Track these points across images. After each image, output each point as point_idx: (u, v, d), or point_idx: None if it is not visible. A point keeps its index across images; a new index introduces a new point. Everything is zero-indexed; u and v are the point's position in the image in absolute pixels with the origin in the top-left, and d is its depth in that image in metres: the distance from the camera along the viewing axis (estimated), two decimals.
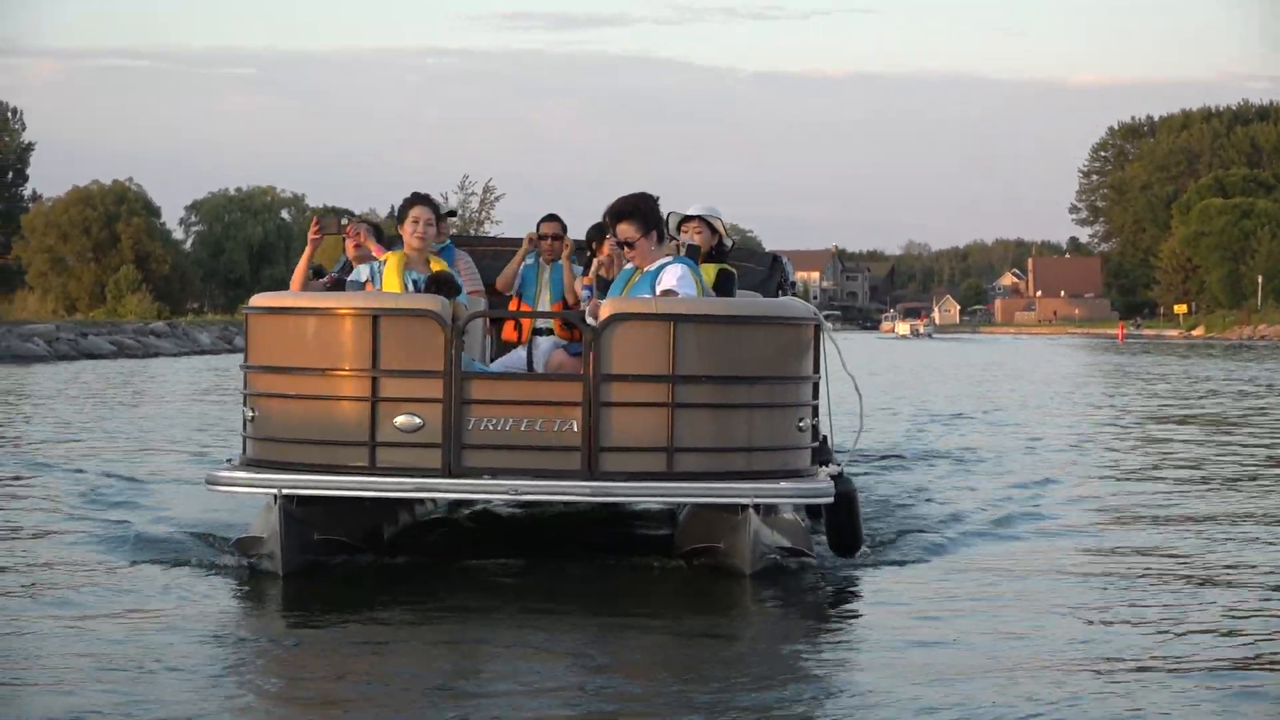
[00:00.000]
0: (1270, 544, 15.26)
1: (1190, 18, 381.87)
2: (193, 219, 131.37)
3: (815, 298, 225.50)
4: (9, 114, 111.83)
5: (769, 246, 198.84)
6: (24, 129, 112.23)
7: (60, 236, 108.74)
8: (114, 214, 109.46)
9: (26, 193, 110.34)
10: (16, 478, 19.98)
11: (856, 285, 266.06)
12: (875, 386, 12.64)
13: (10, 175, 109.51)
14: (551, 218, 14.53)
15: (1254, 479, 21.52)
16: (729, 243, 13.95)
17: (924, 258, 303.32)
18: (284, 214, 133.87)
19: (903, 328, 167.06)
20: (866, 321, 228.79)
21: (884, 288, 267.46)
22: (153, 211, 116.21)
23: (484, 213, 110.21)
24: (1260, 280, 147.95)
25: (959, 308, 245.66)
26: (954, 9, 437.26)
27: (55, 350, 66.07)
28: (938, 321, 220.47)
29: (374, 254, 13.52)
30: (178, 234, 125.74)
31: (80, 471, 20.64)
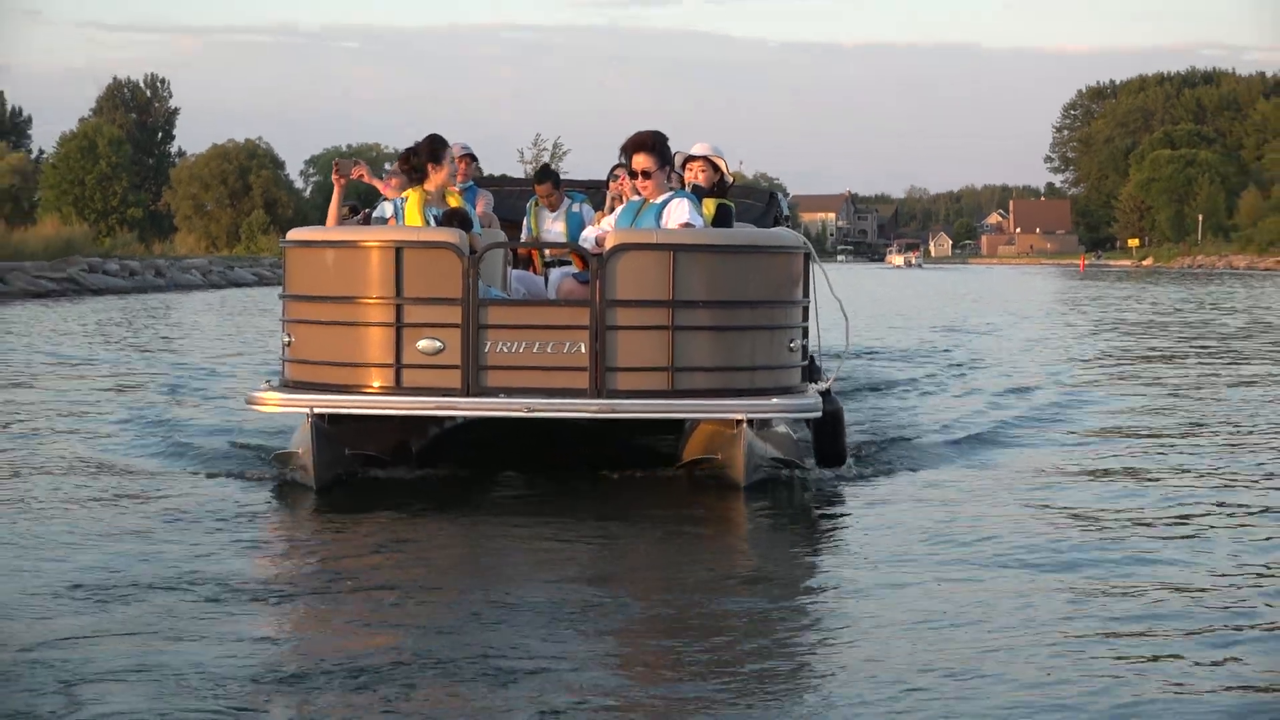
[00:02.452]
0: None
1: None
2: (311, 171, 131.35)
3: (832, 234, 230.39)
4: (159, 83, 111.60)
5: (792, 192, 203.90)
6: (171, 96, 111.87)
7: (202, 186, 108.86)
8: (246, 167, 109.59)
9: (173, 150, 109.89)
10: (109, 389, 18.90)
11: (866, 224, 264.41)
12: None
13: (160, 135, 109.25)
14: (543, 178, 13.81)
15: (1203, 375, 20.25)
16: (730, 179, 12.79)
17: (924, 200, 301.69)
18: (386, 166, 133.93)
19: (897, 260, 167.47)
20: (875, 255, 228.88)
21: (889, 226, 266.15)
22: (278, 165, 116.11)
23: (553, 165, 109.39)
24: (1200, 219, 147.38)
25: (951, 243, 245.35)
26: None
27: (208, 280, 66.74)
28: (932, 254, 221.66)
29: (381, 190, 12.76)
30: (298, 184, 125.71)
31: (176, 376, 19.99)
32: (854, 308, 15.81)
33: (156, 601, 7.87)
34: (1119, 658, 7.12)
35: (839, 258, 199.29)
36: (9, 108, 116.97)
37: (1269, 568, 9.12)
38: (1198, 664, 7.10)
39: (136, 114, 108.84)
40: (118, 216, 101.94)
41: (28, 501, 11.02)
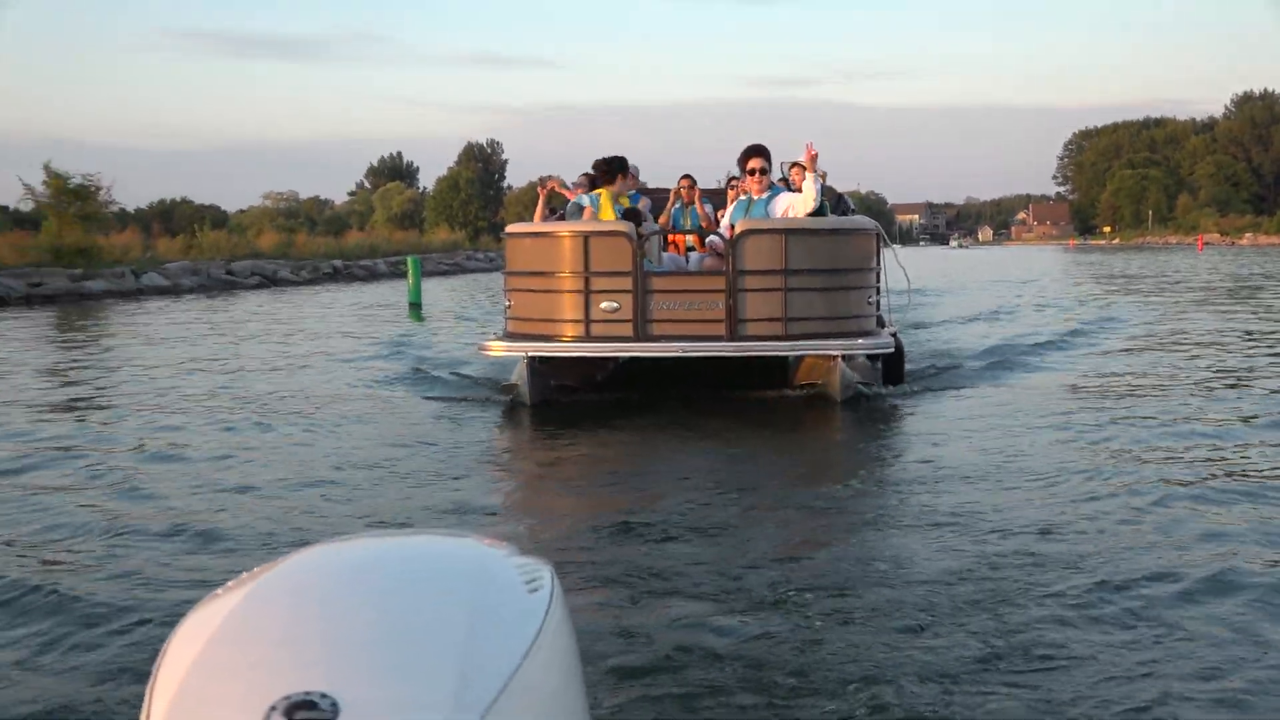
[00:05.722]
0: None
1: (1125, 67, 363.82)
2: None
3: (916, 228, 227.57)
4: (495, 144, 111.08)
5: (891, 201, 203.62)
6: (503, 152, 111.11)
7: (524, 208, 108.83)
8: (552, 195, 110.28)
9: (505, 185, 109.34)
10: (399, 344, 17.41)
11: (939, 221, 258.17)
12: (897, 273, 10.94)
13: (496, 176, 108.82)
14: (685, 176, 11.81)
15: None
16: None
17: (976, 204, 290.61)
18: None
19: (954, 243, 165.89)
20: (944, 241, 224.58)
21: (954, 222, 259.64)
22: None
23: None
24: (1150, 214, 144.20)
25: (992, 232, 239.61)
26: (994, 70, 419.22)
27: None
28: (979, 240, 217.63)
29: (568, 196, 11.42)
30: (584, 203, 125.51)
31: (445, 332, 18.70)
32: (919, 270, 14.43)
33: (425, 476, 7.36)
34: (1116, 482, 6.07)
35: (920, 242, 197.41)
36: (405, 161, 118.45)
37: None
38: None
39: (482, 164, 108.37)
40: (473, 227, 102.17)
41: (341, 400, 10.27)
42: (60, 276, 31.28)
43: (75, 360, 14.96)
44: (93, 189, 37.34)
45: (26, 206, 39.45)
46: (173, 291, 33.67)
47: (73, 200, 36.44)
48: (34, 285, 30.04)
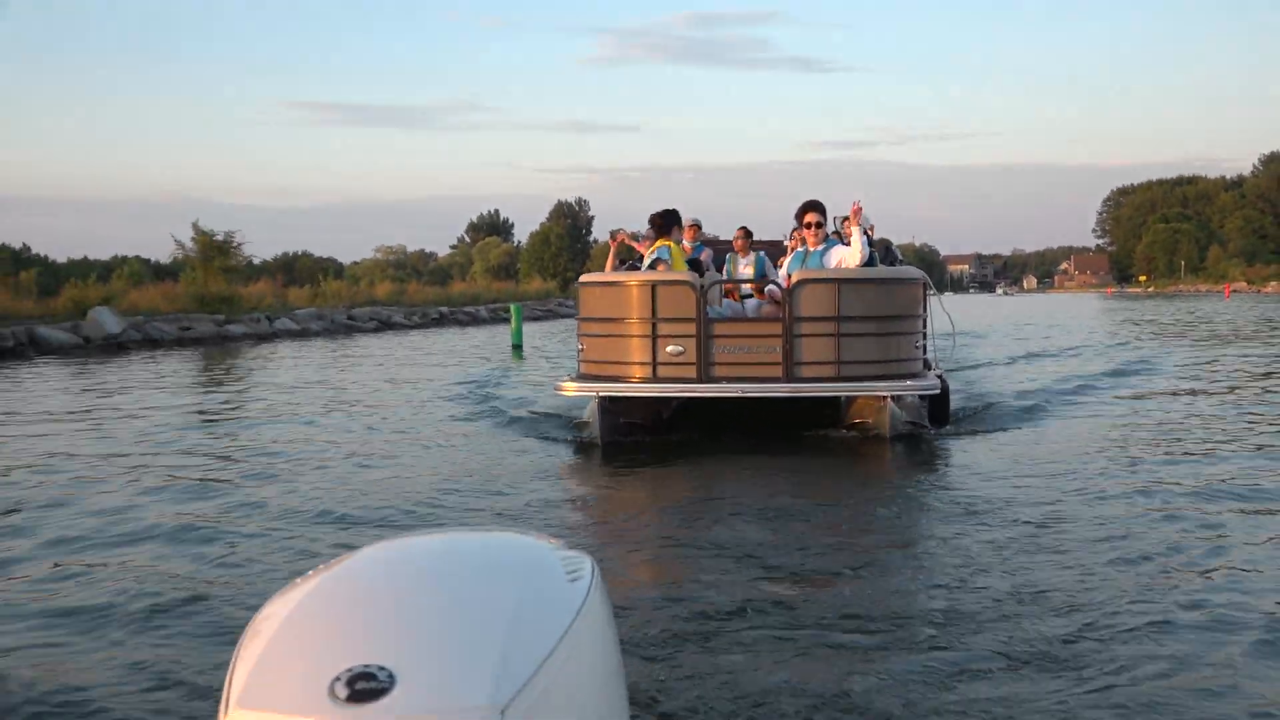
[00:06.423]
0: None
1: (1159, 129, 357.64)
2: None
3: (966, 277, 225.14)
4: (582, 202, 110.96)
5: (943, 253, 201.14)
6: (590, 209, 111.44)
7: (619, 263, 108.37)
8: (629, 248, 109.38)
9: (591, 239, 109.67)
10: (491, 382, 17.56)
11: (987, 270, 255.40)
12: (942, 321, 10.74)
13: (583, 231, 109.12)
14: (741, 228, 11.68)
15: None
16: (870, 234, 11.02)
17: (1022, 255, 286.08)
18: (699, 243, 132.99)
19: (1000, 291, 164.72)
20: (992, 289, 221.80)
21: (1001, 271, 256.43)
22: None
23: None
24: (1182, 264, 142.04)
25: (1036, 281, 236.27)
26: (1039, 132, 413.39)
27: None
28: (1024, 288, 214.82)
29: (636, 248, 11.35)
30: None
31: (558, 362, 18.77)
32: (966, 316, 14.34)
33: (521, 494, 7.60)
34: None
35: (970, 290, 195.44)
36: (501, 218, 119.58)
37: None
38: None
39: (570, 220, 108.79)
40: (563, 278, 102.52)
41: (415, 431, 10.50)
42: (206, 322, 32.34)
43: (224, 389, 15.90)
44: (232, 245, 38.66)
45: (167, 260, 40.85)
46: (302, 335, 34.79)
47: (216, 254, 37.76)
48: (184, 329, 31.11)
